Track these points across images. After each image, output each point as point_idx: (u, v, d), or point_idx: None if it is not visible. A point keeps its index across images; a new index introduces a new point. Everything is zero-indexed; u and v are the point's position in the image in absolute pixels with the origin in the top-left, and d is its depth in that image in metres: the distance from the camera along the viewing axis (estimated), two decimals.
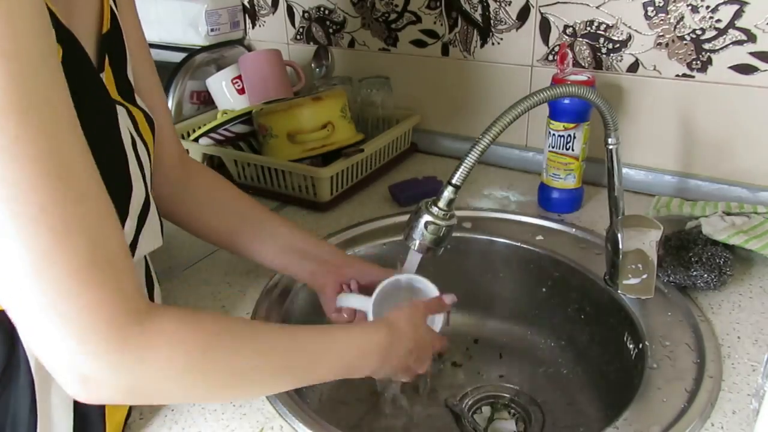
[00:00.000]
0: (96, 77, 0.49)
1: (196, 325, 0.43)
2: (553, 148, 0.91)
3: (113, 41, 0.55)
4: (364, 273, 0.70)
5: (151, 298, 0.61)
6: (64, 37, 0.43)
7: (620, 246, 0.69)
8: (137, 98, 0.57)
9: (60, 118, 0.37)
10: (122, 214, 0.50)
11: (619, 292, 0.71)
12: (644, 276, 0.69)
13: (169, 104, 1.19)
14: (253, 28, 1.34)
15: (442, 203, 0.61)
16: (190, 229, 0.72)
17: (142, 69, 0.63)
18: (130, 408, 0.59)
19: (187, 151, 0.80)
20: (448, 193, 0.61)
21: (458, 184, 0.60)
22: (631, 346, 0.71)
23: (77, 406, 0.51)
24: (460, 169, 0.59)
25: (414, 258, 0.66)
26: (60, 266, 0.36)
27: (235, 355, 0.44)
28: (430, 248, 0.63)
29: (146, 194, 0.54)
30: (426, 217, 0.62)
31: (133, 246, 0.52)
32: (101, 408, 0.53)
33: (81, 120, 0.45)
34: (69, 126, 0.38)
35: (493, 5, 1.04)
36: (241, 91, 1.21)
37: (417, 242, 0.63)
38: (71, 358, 0.37)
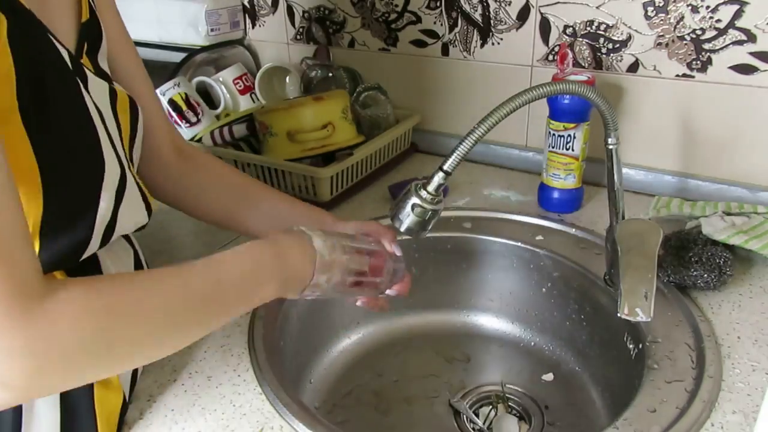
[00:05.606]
0: (53, 49, 0.47)
1: (95, 287, 0.41)
2: (553, 148, 0.91)
3: (91, 30, 0.56)
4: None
5: None
6: (12, 9, 0.42)
7: (620, 248, 0.68)
8: (115, 85, 0.58)
9: None
10: (96, 189, 0.49)
11: (619, 315, 0.67)
12: (645, 295, 0.65)
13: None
14: (253, 28, 1.34)
15: (431, 187, 0.61)
16: (194, 214, 0.72)
17: (127, 61, 0.64)
18: (124, 403, 0.58)
19: None
20: (438, 178, 0.60)
21: (449, 170, 0.59)
22: (631, 346, 0.71)
23: (63, 400, 0.51)
24: (453, 156, 0.59)
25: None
26: None
27: (140, 304, 0.42)
28: (414, 230, 0.63)
29: (121, 170, 0.53)
30: (414, 200, 0.62)
31: (113, 223, 0.52)
32: (90, 401, 0.53)
33: (39, 90, 0.44)
34: None
35: (493, 5, 1.04)
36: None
37: (402, 223, 0.63)
38: None
